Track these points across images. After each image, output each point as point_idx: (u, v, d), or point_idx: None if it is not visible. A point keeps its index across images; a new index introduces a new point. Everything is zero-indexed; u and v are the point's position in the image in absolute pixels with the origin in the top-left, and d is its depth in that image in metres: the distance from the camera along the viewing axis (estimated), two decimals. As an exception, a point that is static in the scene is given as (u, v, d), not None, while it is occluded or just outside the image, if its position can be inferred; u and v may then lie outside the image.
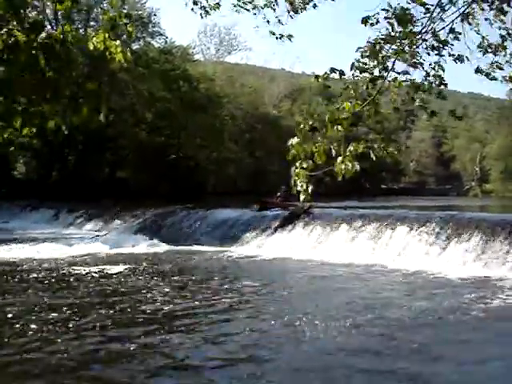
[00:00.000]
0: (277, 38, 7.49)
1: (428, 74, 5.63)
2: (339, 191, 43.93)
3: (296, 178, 5.41)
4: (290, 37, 7.54)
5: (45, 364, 7.01)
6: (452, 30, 5.61)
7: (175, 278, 13.42)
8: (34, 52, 3.11)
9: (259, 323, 9.08)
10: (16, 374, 6.72)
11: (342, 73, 5.62)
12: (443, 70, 5.74)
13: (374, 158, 5.50)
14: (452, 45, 5.64)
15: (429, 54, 5.66)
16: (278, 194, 23.33)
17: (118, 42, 4.05)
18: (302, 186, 5.38)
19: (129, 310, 9.92)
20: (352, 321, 9.01)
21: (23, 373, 6.74)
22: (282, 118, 52.40)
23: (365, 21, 5.77)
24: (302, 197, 5.44)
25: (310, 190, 5.39)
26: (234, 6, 7.53)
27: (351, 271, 14.25)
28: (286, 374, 6.78)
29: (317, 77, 5.82)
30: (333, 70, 5.64)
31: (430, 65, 5.65)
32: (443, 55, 5.64)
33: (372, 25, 5.76)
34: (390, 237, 16.59)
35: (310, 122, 5.41)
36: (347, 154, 5.25)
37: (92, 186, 37.33)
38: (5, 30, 3.25)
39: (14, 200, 32.79)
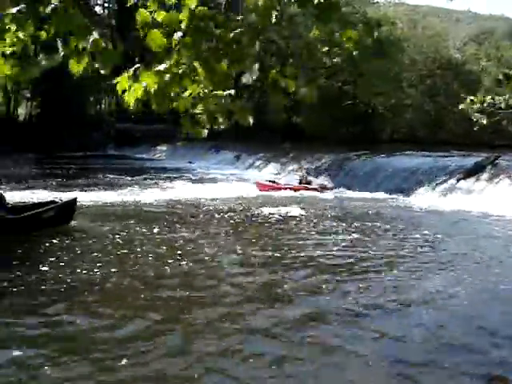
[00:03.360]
0: None
1: None
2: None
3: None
4: None
5: (222, 292, 7.52)
6: None
7: (351, 223, 13.44)
8: None
9: (446, 280, 8.85)
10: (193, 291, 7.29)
11: None
12: None
13: None
14: None
15: None
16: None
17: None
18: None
19: (307, 252, 10.19)
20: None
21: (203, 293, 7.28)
22: (466, 63, 48.98)
23: None
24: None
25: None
26: None
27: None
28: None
29: None
30: None
31: None
32: None
33: None
34: None
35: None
36: None
37: (270, 131, 38.50)
38: None
39: (199, 141, 34.87)
